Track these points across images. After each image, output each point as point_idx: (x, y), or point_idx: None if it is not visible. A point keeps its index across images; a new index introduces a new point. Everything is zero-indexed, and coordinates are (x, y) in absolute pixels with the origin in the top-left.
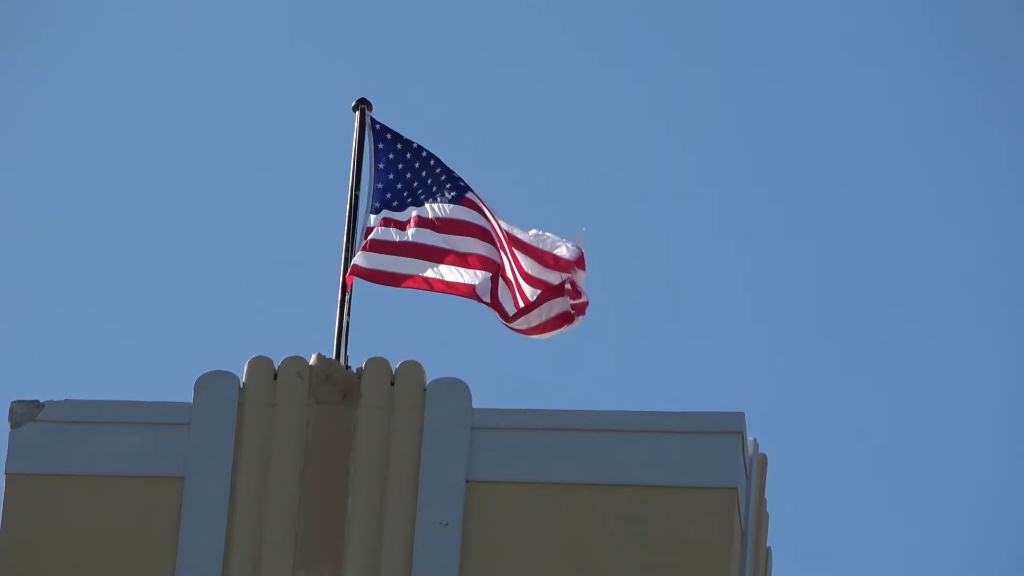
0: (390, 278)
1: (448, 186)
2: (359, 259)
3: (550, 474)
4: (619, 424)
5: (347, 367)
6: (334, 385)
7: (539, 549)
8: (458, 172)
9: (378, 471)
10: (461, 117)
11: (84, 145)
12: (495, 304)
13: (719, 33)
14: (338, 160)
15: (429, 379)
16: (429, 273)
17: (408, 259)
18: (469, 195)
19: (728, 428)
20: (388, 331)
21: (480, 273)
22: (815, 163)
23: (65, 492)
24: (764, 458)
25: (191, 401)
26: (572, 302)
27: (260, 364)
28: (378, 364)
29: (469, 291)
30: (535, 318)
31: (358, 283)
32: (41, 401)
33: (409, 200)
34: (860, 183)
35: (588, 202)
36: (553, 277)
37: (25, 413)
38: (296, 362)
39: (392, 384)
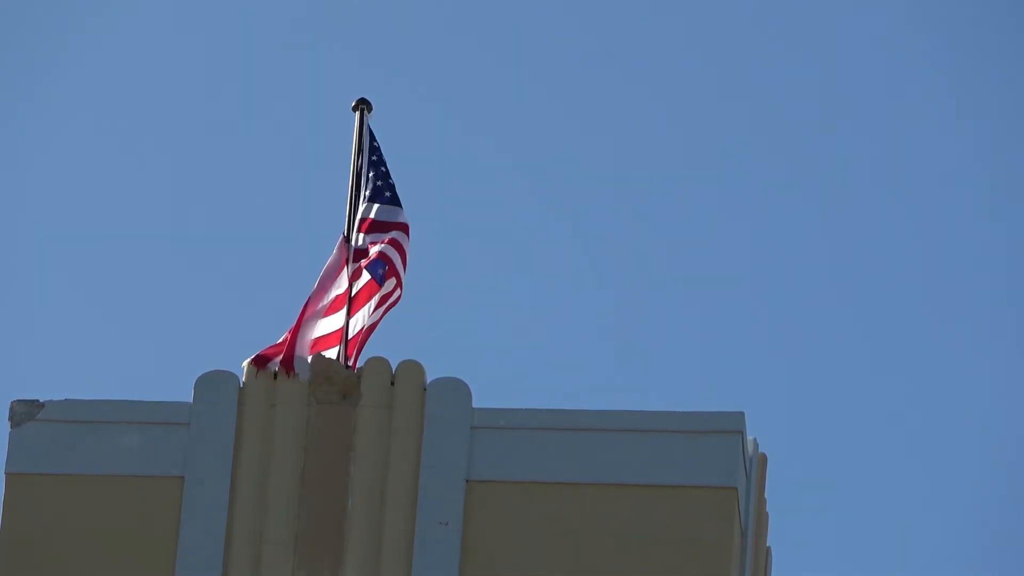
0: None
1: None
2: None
3: (550, 474)
4: (619, 424)
5: (347, 367)
6: (334, 385)
7: (539, 549)
8: (458, 171)
9: (378, 471)
10: (461, 117)
11: (84, 145)
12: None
13: (720, 32)
14: (338, 160)
15: (429, 379)
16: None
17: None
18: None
19: (728, 428)
20: (388, 331)
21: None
22: (819, 161)
23: (65, 492)
24: (764, 458)
25: (191, 401)
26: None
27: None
28: (378, 364)
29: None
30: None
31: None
32: (41, 401)
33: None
34: (861, 183)
35: (587, 201)
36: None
37: (25, 413)
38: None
39: (392, 384)
